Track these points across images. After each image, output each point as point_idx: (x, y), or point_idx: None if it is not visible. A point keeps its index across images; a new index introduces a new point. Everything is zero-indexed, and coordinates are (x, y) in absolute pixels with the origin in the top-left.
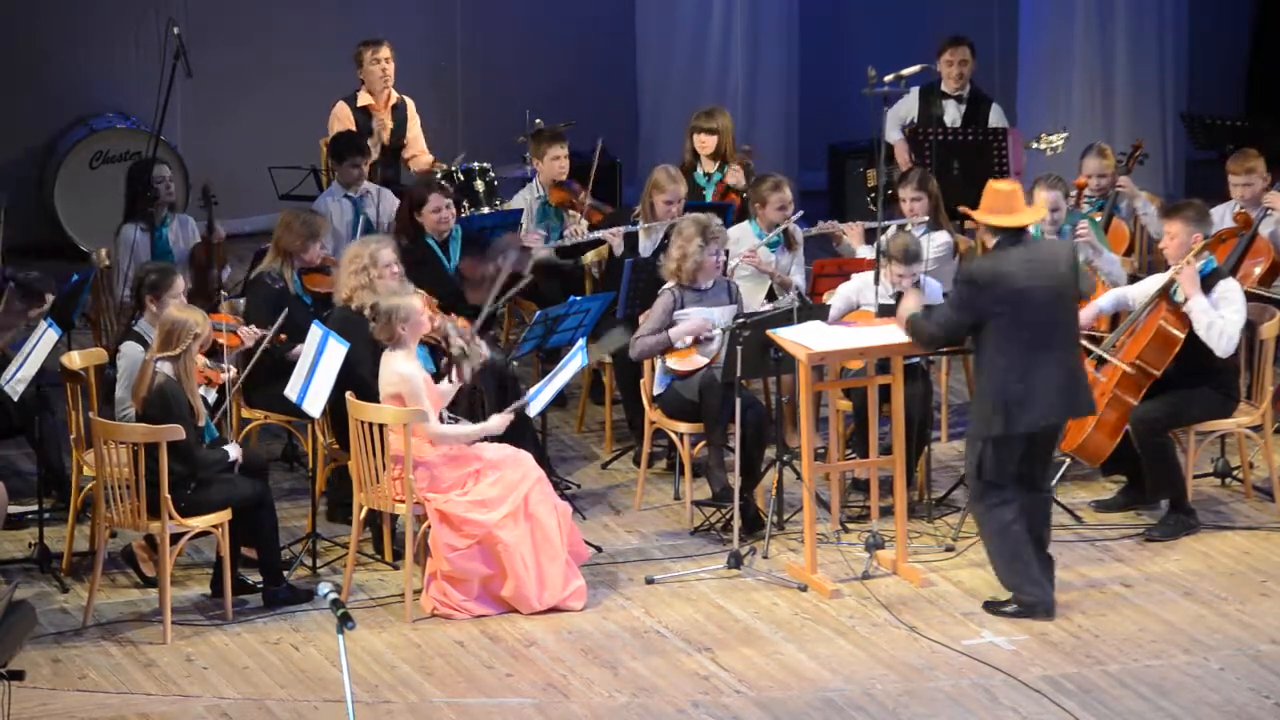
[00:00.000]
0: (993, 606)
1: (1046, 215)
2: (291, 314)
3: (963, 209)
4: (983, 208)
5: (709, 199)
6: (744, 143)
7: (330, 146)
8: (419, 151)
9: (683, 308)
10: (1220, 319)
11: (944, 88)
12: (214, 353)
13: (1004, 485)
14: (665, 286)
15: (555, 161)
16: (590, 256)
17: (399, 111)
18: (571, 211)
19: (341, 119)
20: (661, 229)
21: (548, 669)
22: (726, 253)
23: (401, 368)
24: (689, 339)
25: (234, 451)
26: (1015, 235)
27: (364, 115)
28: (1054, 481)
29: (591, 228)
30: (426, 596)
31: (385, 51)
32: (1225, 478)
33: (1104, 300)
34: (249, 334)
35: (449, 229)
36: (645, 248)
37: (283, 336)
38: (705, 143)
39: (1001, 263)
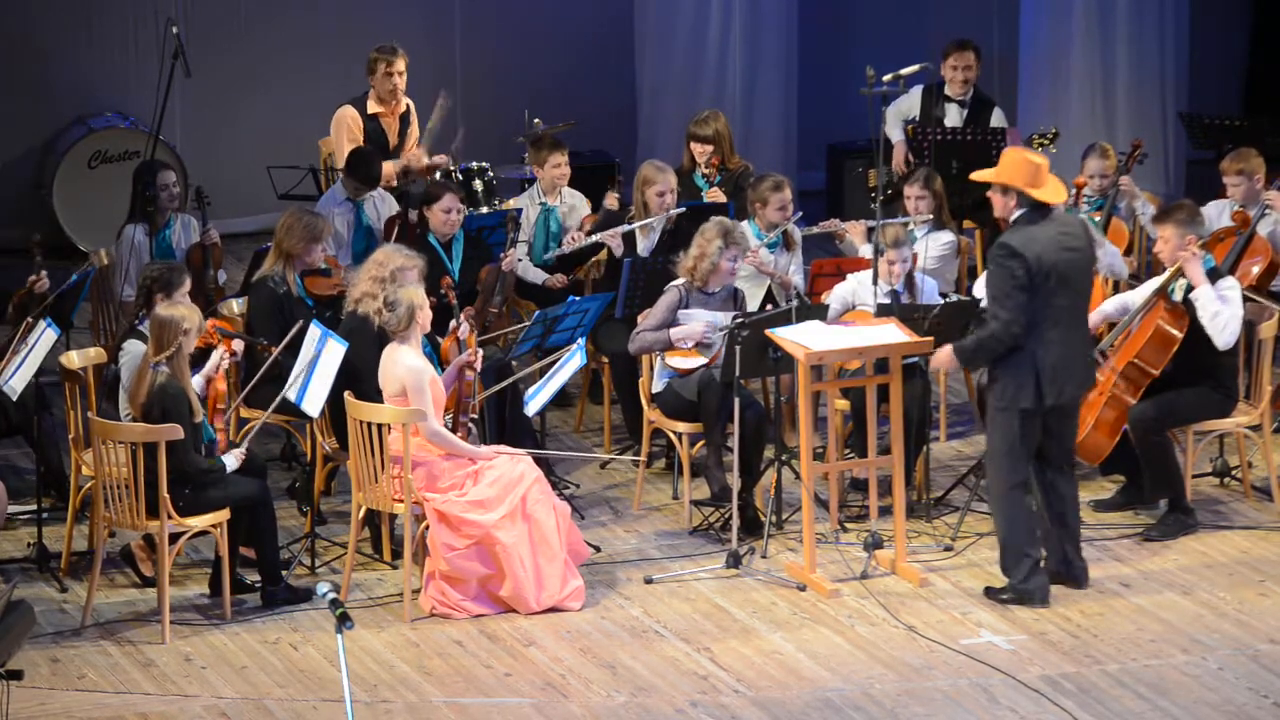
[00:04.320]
0: (992, 592)
1: (1068, 198)
2: (294, 318)
3: (981, 175)
4: (1010, 175)
5: (704, 200)
6: (742, 142)
7: (348, 161)
8: (412, 149)
9: (687, 308)
10: (1225, 309)
11: (948, 92)
12: (207, 355)
13: (1024, 463)
14: (673, 283)
15: (556, 169)
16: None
17: (404, 119)
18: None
19: (350, 124)
20: (659, 224)
21: (546, 668)
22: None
23: (410, 360)
24: (690, 343)
25: (232, 462)
26: (1040, 209)
27: (374, 123)
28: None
29: (589, 232)
30: (425, 596)
31: (400, 64)
32: (1224, 477)
33: (1108, 305)
34: (240, 346)
35: (454, 231)
36: (644, 247)
37: (267, 347)
38: (701, 151)
39: (1035, 233)
